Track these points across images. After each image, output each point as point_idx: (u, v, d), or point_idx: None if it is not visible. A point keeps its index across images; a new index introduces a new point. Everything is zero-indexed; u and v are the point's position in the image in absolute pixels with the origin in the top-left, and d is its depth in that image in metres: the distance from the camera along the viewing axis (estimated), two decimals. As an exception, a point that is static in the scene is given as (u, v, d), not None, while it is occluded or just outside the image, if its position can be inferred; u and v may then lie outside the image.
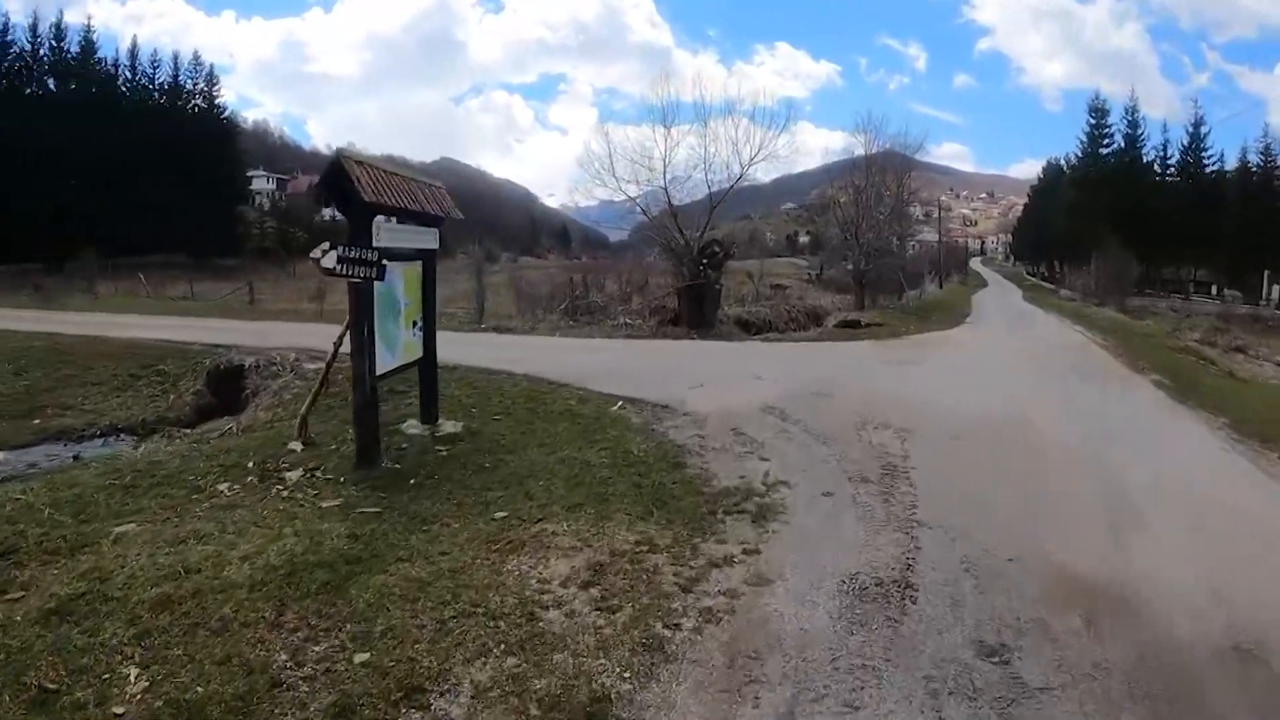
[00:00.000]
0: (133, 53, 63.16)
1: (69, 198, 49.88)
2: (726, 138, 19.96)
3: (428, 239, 7.56)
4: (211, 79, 67.85)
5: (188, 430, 8.26)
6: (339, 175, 5.82)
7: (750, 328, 20.11)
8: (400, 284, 7.06)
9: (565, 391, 10.00)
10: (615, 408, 9.41)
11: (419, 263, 7.56)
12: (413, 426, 7.94)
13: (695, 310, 18.09)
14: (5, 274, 38.57)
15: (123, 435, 8.92)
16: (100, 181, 51.68)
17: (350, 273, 6.05)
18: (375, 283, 6.28)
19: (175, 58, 63.55)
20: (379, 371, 6.62)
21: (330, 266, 5.99)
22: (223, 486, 5.97)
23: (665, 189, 19.03)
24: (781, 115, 22.30)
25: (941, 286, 54.51)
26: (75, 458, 7.35)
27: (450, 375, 10.51)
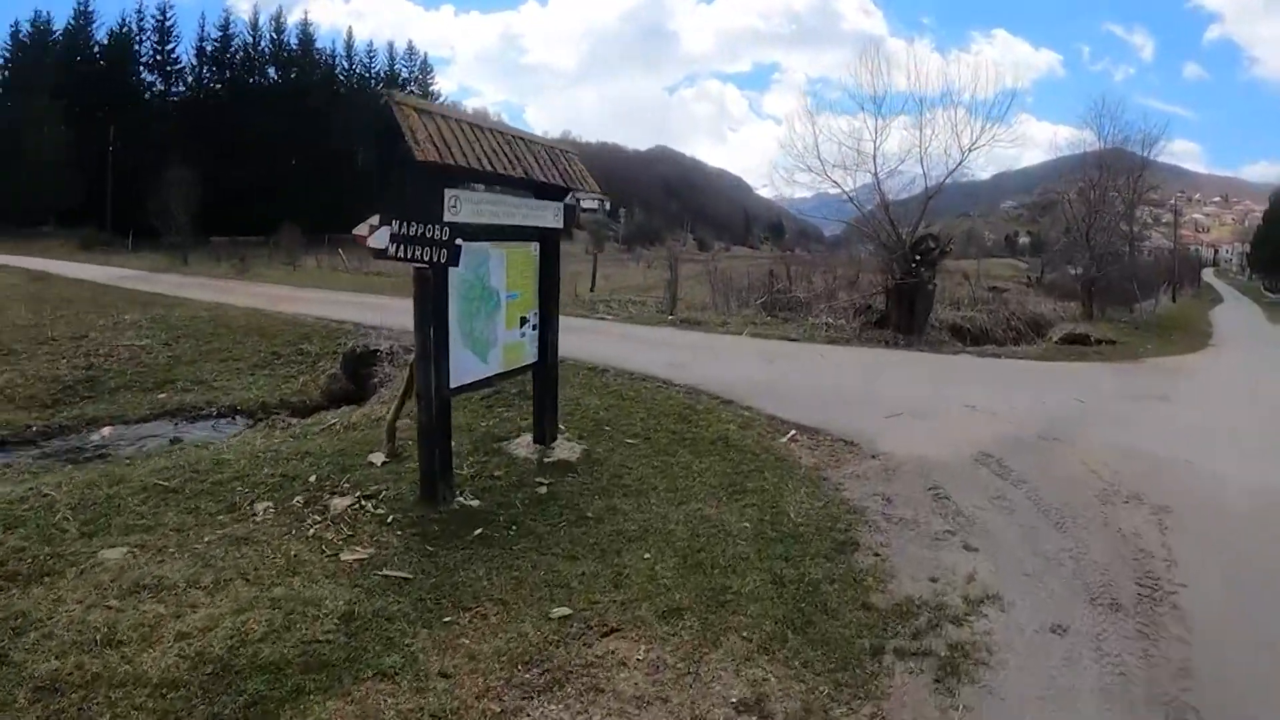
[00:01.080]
0: (349, 44, 70.23)
1: (284, 177, 55.40)
2: (943, 128, 17.14)
3: (544, 214, 6.01)
4: (425, 68, 73.73)
5: (299, 420, 7.79)
6: (389, 127, 4.51)
7: (964, 335, 16.84)
8: (500, 271, 5.61)
9: (728, 411, 8.04)
10: (785, 439, 7.28)
11: (533, 245, 6.08)
12: (522, 446, 6.56)
13: (904, 312, 15.38)
14: (221, 245, 41.81)
15: (238, 417, 8.76)
16: (316, 162, 56.22)
17: (408, 255, 4.70)
18: (453, 269, 4.92)
19: (390, 47, 69.77)
20: (461, 381, 5.25)
21: (380, 247, 4.69)
22: (260, 507, 5.00)
23: (876, 178, 16.61)
24: (1001, 106, 18.79)
25: (1175, 299, 45.34)
26: (174, 440, 7.13)
27: (595, 380, 9.12)
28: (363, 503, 5.11)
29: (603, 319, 15.82)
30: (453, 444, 6.51)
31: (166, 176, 40.16)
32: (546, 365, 6.40)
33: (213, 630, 3.58)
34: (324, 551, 4.45)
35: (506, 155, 5.24)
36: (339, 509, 5.02)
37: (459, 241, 4.81)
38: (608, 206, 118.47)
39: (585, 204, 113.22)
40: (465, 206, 4.97)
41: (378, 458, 6.03)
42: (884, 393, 9.47)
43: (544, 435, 6.52)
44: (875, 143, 16.56)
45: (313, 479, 5.50)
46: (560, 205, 6.20)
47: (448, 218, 4.81)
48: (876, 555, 4.93)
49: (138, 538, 4.45)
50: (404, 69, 70.87)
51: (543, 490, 5.63)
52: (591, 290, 24.18)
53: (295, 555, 4.36)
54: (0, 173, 48.30)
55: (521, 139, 5.68)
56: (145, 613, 3.68)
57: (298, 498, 5.15)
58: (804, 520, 5.34)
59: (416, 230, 4.70)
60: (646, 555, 4.69)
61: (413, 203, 4.69)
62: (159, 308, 15.86)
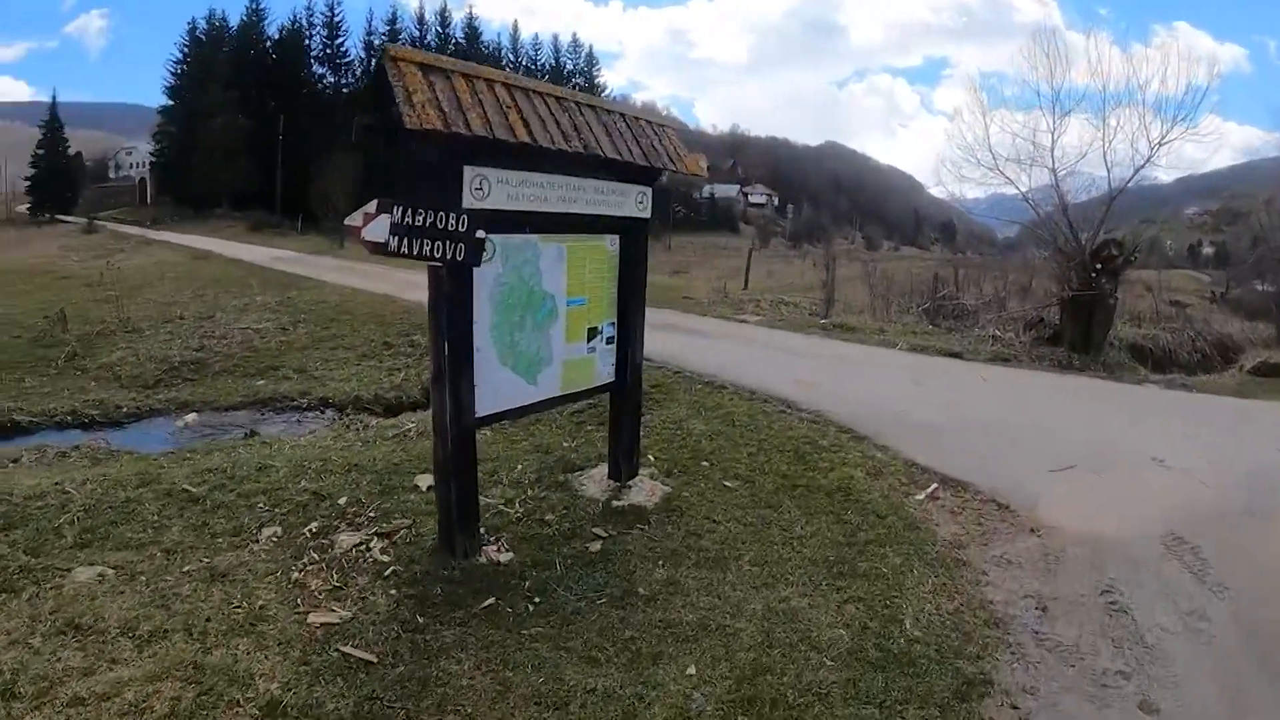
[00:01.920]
0: (515, 37, 71.15)
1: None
2: (1126, 125, 14.24)
3: (622, 201, 4.84)
4: (591, 60, 73.44)
5: (380, 420, 7.36)
6: (381, 87, 3.51)
7: (1145, 357, 13.94)
8: (557, 270, 4.54)
9: (857, 451, 6.41)
10: (922, 495, 5.59)
11: (608, 239, 4.93)
12: (594, 480, 5.53)
13: (1080, 328, 12.87)
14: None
15: (326, 411, 8.48)
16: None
17: (414, 250, 3.81)
18: (483, 268, 3.98)
19: (555, 40, 69.89)
20: (496, 408, 4.29)
21: (378, 240, 3.83)
22: (266, 533, 4.43)
23: (1054, 177, 14.37)
24: (1191, 103, 15.03)
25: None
26: (250, 433, 6.94)
27: (708, 398, 7.82)
28: (371, 543, 4.38)
29: (744, 322, 14.31)
30: (518, 470, 5.72)
31: (328, 163, 42.43)
32: (626, 388, 5.27)
33: (110, 700, 2.95)
34: (296, 605, 3.73)
35: (559, 124, 4.16)
36: (343, 548, 4.32)
37: (481, 234, 3.86)
38: (775, 201, 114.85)
39: (753, 199, 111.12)
40: (497, 189, 4.00)
41: (425, 480, 5.33)
42: (1053, 433, 7.25)
43: (619, 470, 5.44)
44: (1053, 137, 14.37)
45: (342, 500, 4.89)
46: (646, 191, 5.02)
47: (469, 203, 3.86)
48: (1015, 709, 3.31)
49: (123, 556, 4.04)
50: (569, 61, 72.10)
51: (596, 547, 4.56)
52: (745, 288, 22.66)
53: (262, 607, 3.69)
54: (181, 159, 53.56)
55: (589, 105, 4.55)
56: (59, 661, 3.15)
57: (313, 524, 4.54)
58: (923, 634, 3.79)
59: (424, 219, 3.80)
60: (690, 671, 3.44)
61: (420, 184, 3.80)
62: (294, 290, 16.38)
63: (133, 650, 3.30)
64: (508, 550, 4.47)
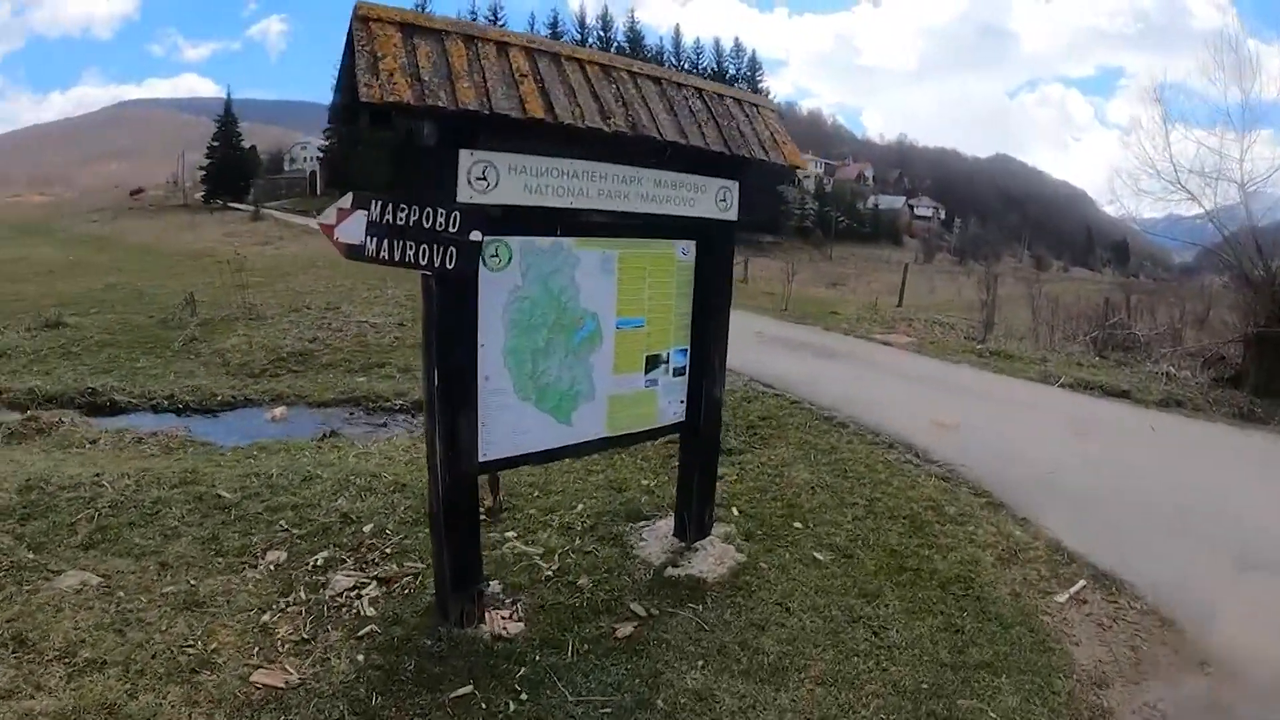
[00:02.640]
0: (677, 41, 68.80)
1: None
2: None
3: (696, 198, 3.74)
4: (754, 64, 70.47)
5: None
6: (349, 50, 2.79)
7: None
8: (603, 283, 3.58)
9: (992, 523, 4.88)
10: (1063, 598, 4.04)
11: (679, 246, 3.87)
12: (656, 537, 4.47)
13: (1266, 370, 10.57)
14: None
15: (418, 415, 7.77)
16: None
17: (395, 255, 3.03)
18: (495, 277, 3.20)
19: (716, 44, 67.64)
20: (513, 450, 3.43)
21: (353, 242, 3.05)
22: (271, 557, 3.94)
23: (1242, 193, 12.00)
24: None
25: None
26: (328, 434, 6.58)
27: (822, 438, 6.44)
28: (366, 589, 3.81)
29: (889, 344, 12.25)
30: (577, 510, 4.91)
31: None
32: (700, 431, 4.16)
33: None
34: (252, 655, 3.16)
35: (598, 97, 3.16)
36: (334, 590, 3.73)
37: (477, 236, 3.08)
38: (942, 215, 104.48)
39: (919, 211, 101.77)
40: (510, 180, 3.16)
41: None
42: (1238, 515, 5.19)
43: (686, 529, 4.46)
44: (1242, 148, 12.13)
45: (368, 528, 4.32)
46: (730, 186, 3.89)
47: (467, 196, 3.06)
48: None
49: (118, 565, 3.70)
50: (732, 66, 69.83)
51: (626, 631, 3.59)
52: (899, 305, 20.04)
53: (215, 650, 3.15)
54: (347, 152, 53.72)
55: (650, 76, 3.49)
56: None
57: (322, 554, 4.01)
58: None
59: (408, 216, 3.10)
60: None
61: (402, 172, 3.15)
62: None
63: (61, 679, 2.87)
64: (519, 620, 3.66)
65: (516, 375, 3.40)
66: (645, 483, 5.32)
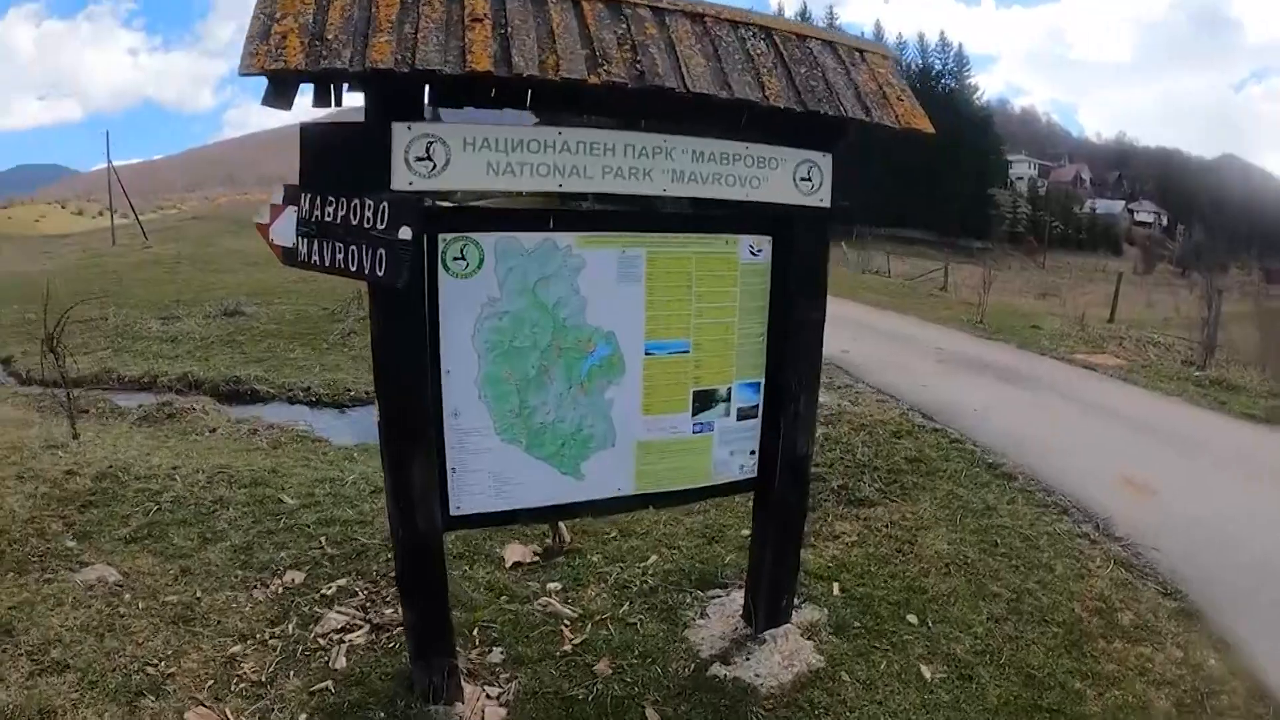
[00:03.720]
0: (878, 37, 59.58)
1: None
2: None
3: (766, 177, 2.45)
4: (960, 60, 60.45)
5: None
6: None
7: None
8: (624, 295, 2.46)
9: (1177, 643, 3.01)
10: None
11: (744, 243, 2.62)
12: (720, 615, 3.19)
13: None
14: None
15: None
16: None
17: (326, 260, 2.15)
18: (464, 285, 2.21)
19: (920, 40, 57.95)
20: (492, 506, 2.47)
21: (286, 244, 2.26)
22: (287, 578, 3.31)
23: None
24: None
25: None
26: None
27: (975, 493, 4.65)
28: (352, 634, 3.07)
29: (1093, 368, 9.18)
30: (649, 563, 3.82)
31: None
32: (775, 492, 2.88)
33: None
34: (200, 689, 2.55)
35: (593, 39, 2.04)
36: (324, 628, 3.02)
37: (406, 233, 2.09)
38: (1164, 221, 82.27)
39: (1140, 217, 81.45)
40: (466, 158, 2.10)
41: (520, 553, 3.84)
42: None
43: (755, 614, 3.16)
44: None
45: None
46: (815, 161, 2.51)
47: (404, 182, 2.05)
48: None
49: (145, 564, 3.30)
50: (938, 61, 60.74)
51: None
52: (1110, 320, 15.55)
53: (169, 677, 2.58)
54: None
55: (677, 10, 2.26)
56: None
57: (340, 581, 3.33)
58: None
59: (334, 211, 2.23)
60: None
61: (327, 154, 2.22)
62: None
63: (21, 675, 2.56)
64: (504, 705, 2.75)
65: (497, 411, 2.42)
66: (746, 533, 4.09)
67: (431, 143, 2.11)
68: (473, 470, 2.46)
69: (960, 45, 69.74)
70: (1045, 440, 5.80)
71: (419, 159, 2.11)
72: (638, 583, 3.54)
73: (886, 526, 4.21)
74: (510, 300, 2.33)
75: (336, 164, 2.15)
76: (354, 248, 2.16)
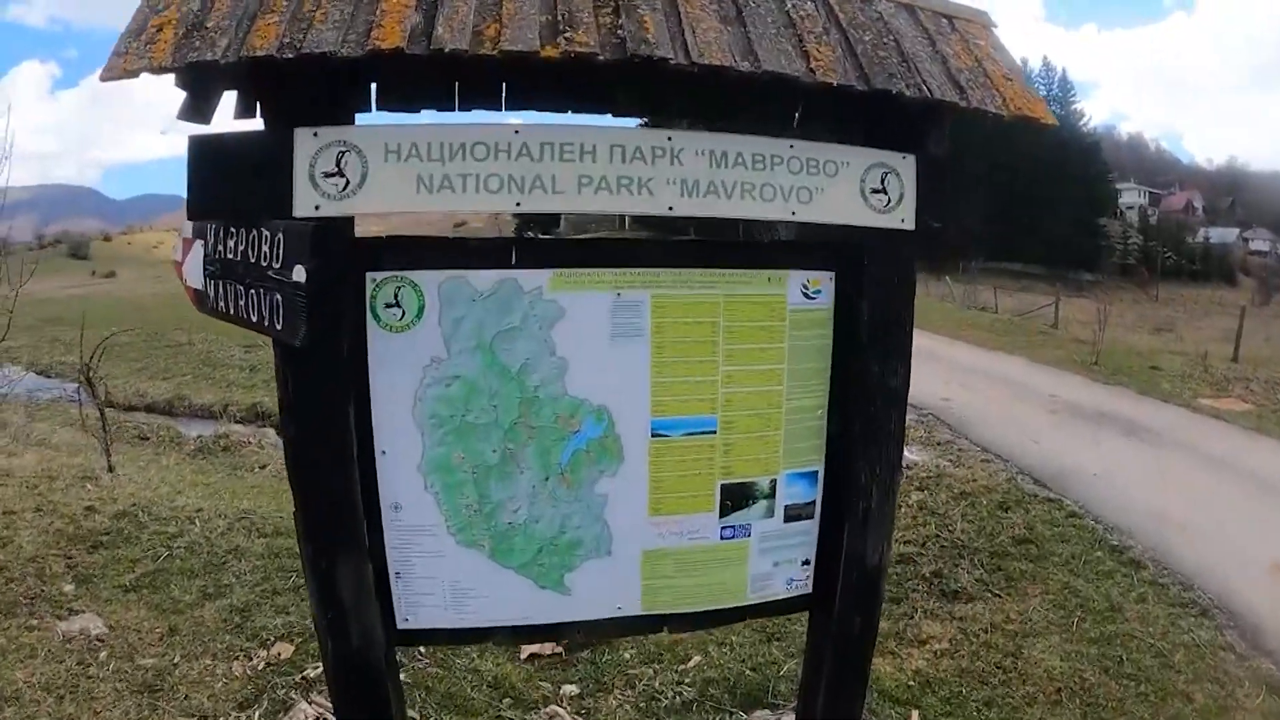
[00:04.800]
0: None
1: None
2: None
3: (824, 186, 1.58)
4: (1065, 85, 53.95)
5: None
6: None
7: None
8: (620, 355, 1.63)
9: None
10: None
11: (793, 280, 1.72)
12: None
13: None
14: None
15: None
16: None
17: (228, 308, 1.51)
18: (396, 342, 1.51)
19: (1024, 65, 51.67)
20: (453, 622, 1.70)
21: (198, 287, 1.61)
22: (277, 649, 2.71)
23: None
24: None
25: None
26: None
27: (1100, 584, 3.44)
28: None
29: (1220, 416, 7.24)
30: (689, 666, 2.91)
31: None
32: (835, 611, 1.92)
33: None
34: None
35: (548, 7, 1.45)
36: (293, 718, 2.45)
37: (300, 274, 1.41)
38: None
39: (1254, 245, 68.94)
40: (385, 170, 1.34)
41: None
42: None
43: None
44: None
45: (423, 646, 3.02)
46: (891, 164, 1.62)
47: (308, 206, 1.35)
48: None
49: (136, 617, 2.84)
50: (1041, 88, 54.92)
51: None
52: (1234, 360, 12.62)
53: None
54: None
55: None
56: None
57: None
58: None
59: (235, 245, 1.56)
60: None
61: (220, 174, 1.54)
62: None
63: None
64: None
65: (449, 506, 1.68)
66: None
67: (343, 153, 1.44)
68: (423, 577, 1.73)
69: (1064, 70, 64.16)
70: (1177, 513, 4.42)
71: (327, 174, 1.44)
72: (670, 692, 2.69)
73: (986, 630, 3.12)
74: (460, 361, 1.60)
75: (231, 185, 1.51)
76: (254, 292, 1.52)
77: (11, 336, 6.34)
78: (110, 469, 4.48)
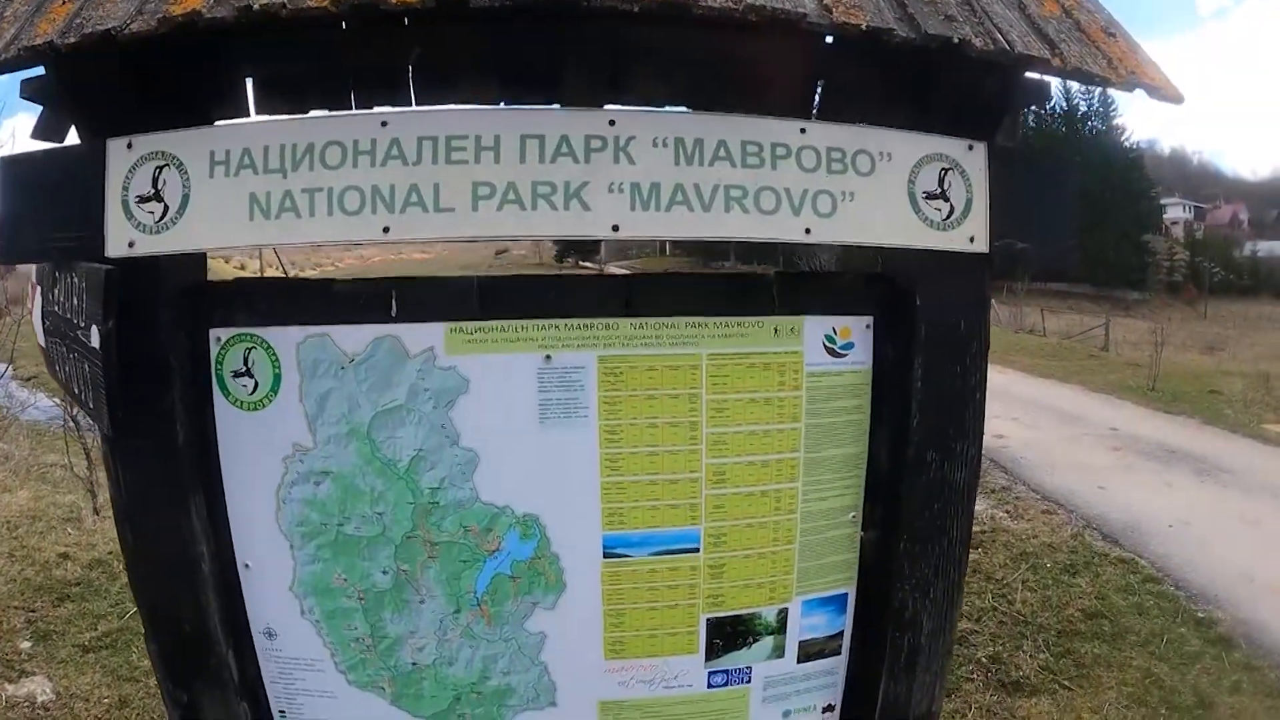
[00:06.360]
0: None
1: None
2: None
3: (856, 190, 0.95)
4: (1106, 101, 48.77)
5: None
6: None
7: None
8: (559, 441, 1.03)
9: None
10: None
11: (814, 329, 1.07)
12: None
13: None
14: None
15: None
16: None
17: (61, 374, 1.03)
18: (273, 433, 0.98)
19: (1063, 80, 46.76)
20: None
21: (41, 344, 1.14)
22: None
23: None
24: None
25: None
26: None
27: (1189, 671, 2.44)
28: None
29: None
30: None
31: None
32: None
33: None
34: None
35: None
36: None
37: (93, 337, 0.85)
38: None
39: None
40: (213, 190, 0.83)
41: None
42: None
43: None
44: None
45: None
46: (952, 153, 0.96)
47: (120, 244, 0.86)
48: None
49: (89, 682, 2.31)
50: (1083, 103, 50.15)
51: None
52: None
53: None
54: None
55: None
56: None
57: None
58: None
59: (59, 294, 1.03)
60: None
61: (32, 202, 0.98)
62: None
63: None
64: None
65: (334, 638, 1.10)
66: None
67: (160, 168, 0.91)
68: (310, 718, 1.19)
69: (1105, 87, 59.50)
70: (1267, 572, 3.39)
71: (141, 200, 0.92)
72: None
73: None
74: (330, 452, 1.03)
75: (46, 216, 1.02)
76: (74, 356, 1.02)
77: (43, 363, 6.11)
78: (96, 511, 3.86)
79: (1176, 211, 60.96)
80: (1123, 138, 51.37)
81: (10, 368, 4.41)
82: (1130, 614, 3.04)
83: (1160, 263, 47.99)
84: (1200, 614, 3.08)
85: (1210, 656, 2.76)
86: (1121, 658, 2.72)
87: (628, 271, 1.28)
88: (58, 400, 4.70)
